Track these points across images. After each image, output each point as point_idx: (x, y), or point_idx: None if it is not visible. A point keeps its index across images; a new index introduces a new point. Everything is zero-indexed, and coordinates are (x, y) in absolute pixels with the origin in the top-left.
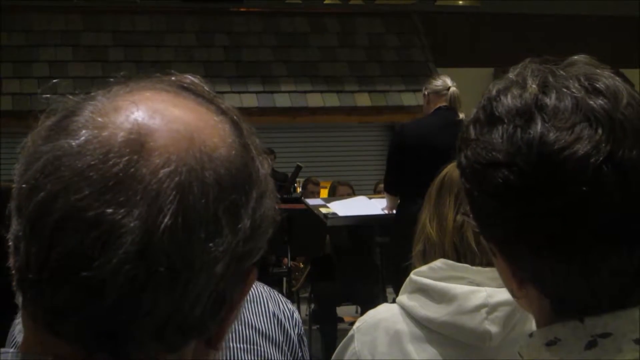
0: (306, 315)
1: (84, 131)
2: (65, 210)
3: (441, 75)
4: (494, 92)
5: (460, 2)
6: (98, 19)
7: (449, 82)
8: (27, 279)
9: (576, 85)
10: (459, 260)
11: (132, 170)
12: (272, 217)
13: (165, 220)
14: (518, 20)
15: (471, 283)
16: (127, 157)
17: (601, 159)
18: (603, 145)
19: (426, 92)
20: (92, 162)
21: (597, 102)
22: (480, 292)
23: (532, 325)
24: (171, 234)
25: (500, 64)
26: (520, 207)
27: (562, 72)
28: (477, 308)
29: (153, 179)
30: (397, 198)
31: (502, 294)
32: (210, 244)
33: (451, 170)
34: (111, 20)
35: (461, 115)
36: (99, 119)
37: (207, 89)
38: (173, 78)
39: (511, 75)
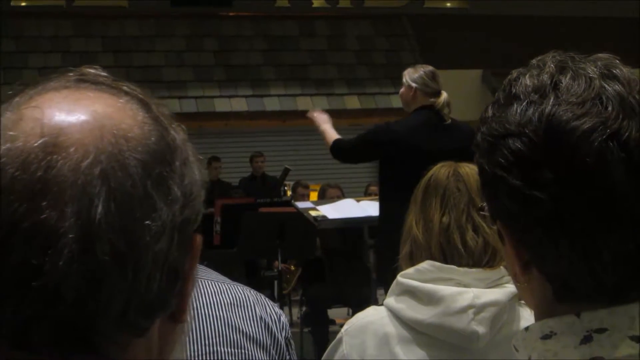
0: (298, 318)
1: None
2: (5, 228)
3: (429, 67)
4: (515, 75)
5: (449, 4)
6: (87, 25)
7: (440, 83)
8: None
9: (593, 68)
10: (445, 262)
11: (54, 171)
12: (200, 180)
13: (99, 210)
14: (506, 21)
15: (458, 284)
16: (45, 160)
17: (607, 133)
18: (611, 122)
19: (414, 86)
20: (15, 174)
21: (611, 85)
22: (467, 293)
23: (520, 325)
24: (108, 222)
25: (489, 65)
26: (526, 177)
27: (582, 59)
28: (465, 309)
29: (76, 174)
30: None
31: (489, 295)
32: (148, 221)
33: (436, 172)
34: (101, 26)
35: (448, 121)
36: (10, 133)
37: (105, 76)
38: (70, 74)
39: (534, 61)
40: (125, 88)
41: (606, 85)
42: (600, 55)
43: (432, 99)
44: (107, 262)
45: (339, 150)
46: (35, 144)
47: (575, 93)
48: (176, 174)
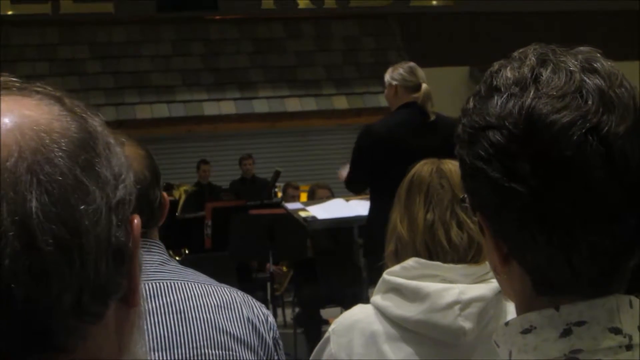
0: (291, 319)
1: None
2: None
3: (410, 64)
4: (496, 67)
5: (435, 2)
6: (74, 32)
7: (420, 76)
8: None
9: (573, 62)
10: (430, 259)
11: None
12: (126, 161)
13: (33, 204)
14: (492, 19)
15: (444, 280)
16: None
17: (587, 127)
18: (590, 116)
19: (394, 83)
20: None
21: (591, 78)
22: (452, 289)
23: (506, 320)
24: (45, 214)
25: (476, 63)
26: (506, 169)
27: (563, 52)
28: (450, 305)
29: (4, 173)
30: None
31: (475, 290)
32: (83, 206)
33: (419, 169)
34: (87, 33)
35: (432, 117)
36: None
37: (14, 80)
38: None
39: (515, 53)
40: (35, 88)
41: (586, 79)
42: (581, 48)
43: (415, 95)
44: (52, 253)
45: (348, 183)
46: None
47: (556, 86)
48: (102, 158)
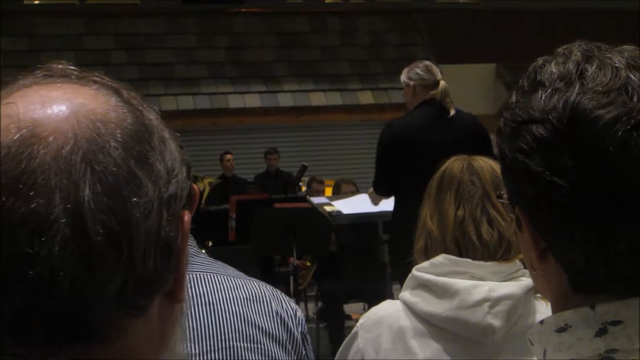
0: (313, 313)
1: None
2: None
3: (425, 62)
4: (540, 62)
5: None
6: (99, 23)
7: (436, 73)
8: None
9: (619, 58)
10: (460, 255)
11: (36, 161)
12: (180, 157)
13: (86, 193)
14: (518, 15)
15: (473, 277)
16: (26, 152)
17: (631, 124)
18: (635, 113)
19: (411, 83)
20: None
21: (637, 75)
22: (482, 287)
23: (536, 319)
24: (97, 203)
25: (502, 60)
26: (548, 163)
27: (608, 48)
28: (480, 302)
29: (59, 161)
30: (383, 198)
31: (505, 288)
32: (135, 199)
33: (450, 165)
34: (112, 24)
35: (452, 112)
36: None
37: (73, 68)
38: (37, 71)
39: (560, 49)
40: (94, 78)
41: (632, 76)
42: (626, 46)
43: (433, 92)
44: (101, 243)
45: (375, 185)
46: (14, 138)
47: (601, 82)
48: (156, 151)
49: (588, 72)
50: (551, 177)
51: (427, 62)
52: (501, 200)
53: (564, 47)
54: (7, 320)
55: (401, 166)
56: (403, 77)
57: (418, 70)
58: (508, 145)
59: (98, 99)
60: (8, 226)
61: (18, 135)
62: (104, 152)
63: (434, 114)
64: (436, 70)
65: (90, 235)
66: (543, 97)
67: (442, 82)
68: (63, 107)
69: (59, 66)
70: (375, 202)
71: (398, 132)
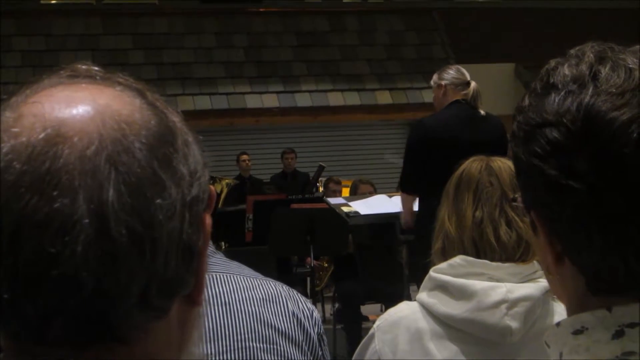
0: (331, 314)
1: (1, 145)
2: (16, 222)
3: (456, 66)
4: (552, 64)
5: None
6: (117, 22)
7: (467, 75)
8: (3, 300)
9: (633, 59)
10: (478, 257)
11: (61, 161)
12: (203, 160)
13: (110, 193)
14: (538, 15)
15: (491, 279)
16: (51, 152)
17: None
18: None
19: (443, 83)
20: (23, 169)
21: None
22: (500, 288)
23: (554, 320)
24: (120, 204)
25: (521, 60)
26: (562, 167)
27: (622, 49)
28: (497, 304)
29: (83, 161)
30: (414, 197)
31: (522, 290)
32: (159, 200)
33: (468, 166)
34: (130, 23)
35: (482, 112)
36: (12, 130)
37: (97, 69)
38: (62, 71)
39: (572, 51)
40: (118, 79)
41: None
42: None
43: (464, 92)
44: (124, 243)
45: (401, 182)
46: (39, 137)
47: (615, 84)
48: (180, 154)
49: (601, 73)
50: (567, 180)
51: (457, 66)
52: (515, 204)
53: (577, 48)
54: (29, 320)
55: (431, 163)
56: (434, 78)
57: (450, 71)
58: (522, 149)
59: (123, 100)
60: (31, 225)
61: (43, 134)
62: (129, 154)
63: (465, 113)
64: (466, 72)
65: (114, 236)
66: (556, 100)
67: (473, 83)
68: (88, 108)
69: (83, 67)
70: (409, 207)
71: (430, 128)
